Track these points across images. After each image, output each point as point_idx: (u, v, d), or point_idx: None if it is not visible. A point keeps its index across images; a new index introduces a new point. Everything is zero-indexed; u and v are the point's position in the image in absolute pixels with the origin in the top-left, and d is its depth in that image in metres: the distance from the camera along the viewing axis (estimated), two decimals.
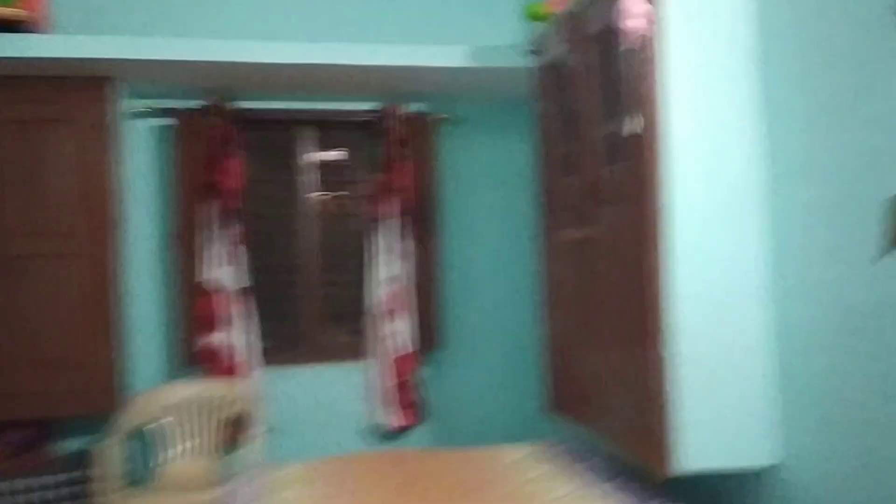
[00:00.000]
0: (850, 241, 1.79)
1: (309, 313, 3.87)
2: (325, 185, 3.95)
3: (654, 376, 2.07)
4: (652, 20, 2.01)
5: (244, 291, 3.60)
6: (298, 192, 3.87)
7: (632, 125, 2.07)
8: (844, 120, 1.80)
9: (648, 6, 2.02)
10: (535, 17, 2.86)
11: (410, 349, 3.73)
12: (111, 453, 3.11)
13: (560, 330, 2.81)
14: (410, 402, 3.71)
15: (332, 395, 3.79)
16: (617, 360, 2.32)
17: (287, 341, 3.85)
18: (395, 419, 3.70)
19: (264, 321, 3.73)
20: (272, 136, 3.89)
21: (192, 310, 3.57)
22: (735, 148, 2.07)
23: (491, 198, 3.95)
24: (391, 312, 3.72)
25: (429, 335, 3.80)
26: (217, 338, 3.54)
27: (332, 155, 3.96)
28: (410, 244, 3.76)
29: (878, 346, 1.71)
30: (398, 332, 3.72)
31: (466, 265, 3.92)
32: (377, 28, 3.72)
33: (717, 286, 2.06)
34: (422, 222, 3.80)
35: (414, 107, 3.84)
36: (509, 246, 3.93)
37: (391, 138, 3.75)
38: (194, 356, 3.56)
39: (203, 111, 3.60)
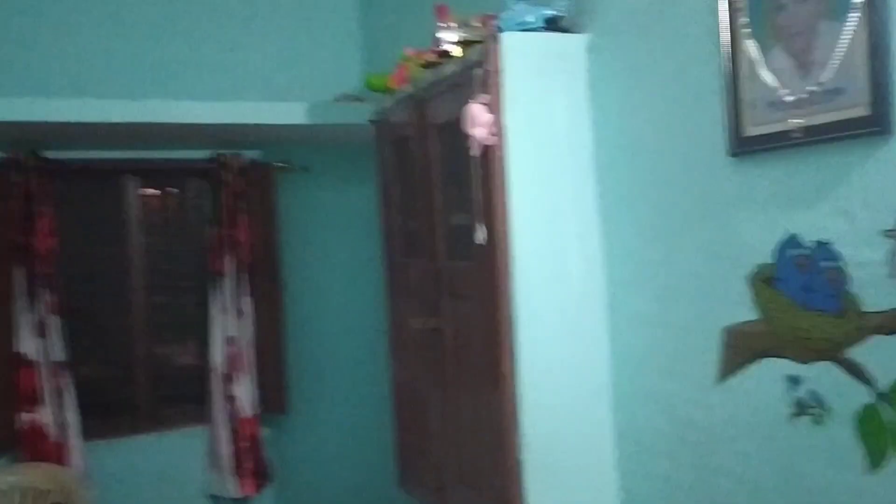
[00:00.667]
0: (688, 360, 1.85)
1: (143, 380, 3.61)
2: (157, 240, 3.68)
3: (506, 479, 2.06)
4: (495, 131, 1.98)
5: (59, 366, 3.26)
6: (126, 249, 3.57)
7: (480, 232, 2.04)
8: (678, 244, 1.85)
9: (491, 116, 1.98)
10: (375, 88, 2.76)
11: (253, 413, 3.55)
12: None
13: (411, 413, 2.76)
14: (253, 469, 3.53)
15: (171, 466, 3.54)
16: (469, 456, 2.30)
17: (120, 412, 3.58)
18: (237, 488, 3.51)
19: (92, 392, 3.43)
20: (93, 188, 3.56)
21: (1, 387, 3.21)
22: (576, 257, 2.09)
23: (337, 251, 3.82)
24: (232, 374, 3.52)
25: (272, 398, 3.64)
26: (30, 417, 3.20)
27: (164, 208, 3.69)
28: (250, 302, 3.56)
29: (713, 463, 1.78)
30: (239, 395, 3.53)
31: (312, 323, 3.77)
32: (211, 82, 3.46)
33: (563, 391, 2.08)
34: (262, 278, 3.61)
35: (252, 154, 3.63)
36: (358, 302, 3.81)
37: (227, 189, 3.52)
38: (4, 439, 3.20)
39: (6, 164, 3.21)
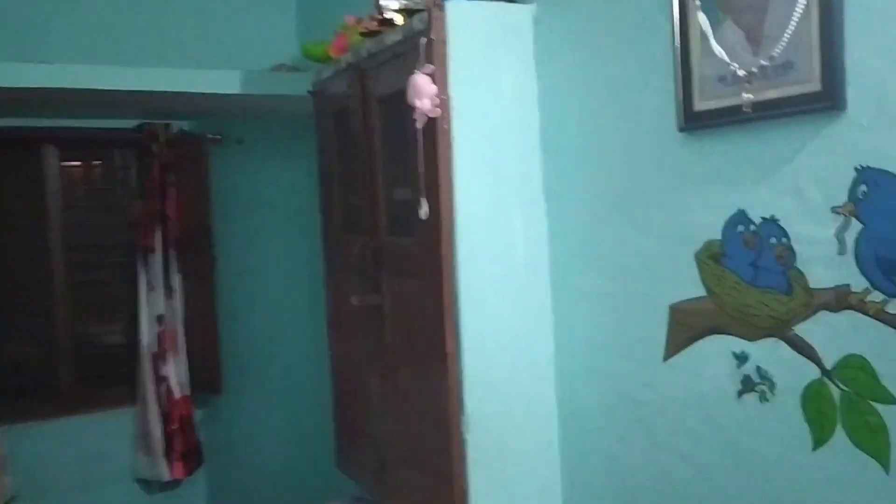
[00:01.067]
0: (634, 337, 1.83)
1: (67, 360, 3.44)
2: (81, 215, 3.50)
3: (450, 458, 2.02)
4: (440, 103, 1.91)
5: None
6: (46, 224, 3.38)
7: (423, 208, 1.97)
8: (624, 220, 1.83)
9: (436, 88, 1.91)
10: (313, 57, 2.66)
11: (184, 394, 3.43)
12: None
13: (351, 393, 2.69)
14: (185, 452, 3.42)
15: (98, 450, 3.41)
16: (411, 436, 2.25)
17: (42, 394, 3.41)
18: (168, 472, 3.40)
19: (12, 373, 3.27)
20: (10, 159, 3.35)
21: None
22: (521, 233, 2.05)
23: (274, 226, 3.70)
24: (162, 354, 3.39)
25: (205, 378, 3.52)
26: None
27: (89, 180, 3.52)
28: (181, 279, 3.43)
29: (658, 441, 1.78)
30: (170, 375, 3.40)
31: (247, 301, 3.65)
32: (140, 47, 3.29)
33: (507, 369, 2.04)
34: (193, 255, 3.48)
35: (182, 125, 3.47)
36: (295, 278, 3.71)
37: (155, 161, 3.36)
38: None
39: None
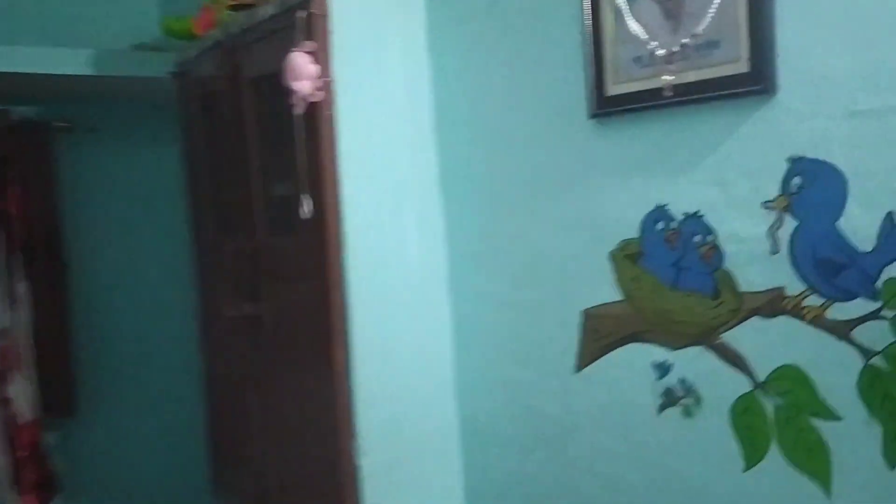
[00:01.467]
0: (542, 346, 1.67)
1: None
2: None
3: (341, 486, 1.80)
4: (322, 86, 1.68)
5: None
6: None
7: (306, 204, 1.74)
8: (530, 217, 1.67)
9: (317, 68, 1.67)
10: (174, 34, 2.36)
11: (33, 417, 3.02)
12: None
13: (227, 413, 2.42)
14: (37, 481, 3.02)
15: None
16: (296, 461, 2.01)
17: None
18: None
19: None
20: None
21: None
22: (416, 232, 1.86)
23: (137, 225, 3.30)
24: (5, 373, 2.98)
25: (57, 399, 3.12)
26: None
27: None
28: (27, 287, 3.02)
29: (571, 460, 1.63)
30: (15, 397, 2.99)
31: (107, 310, 3.25)
32: None
33: (402, 383, 1.85)
34: (41, 259, 3.07)
35: (24, 111, 3.05)
36: (163, 284, 3.33)
37: None
38: None
39: None
